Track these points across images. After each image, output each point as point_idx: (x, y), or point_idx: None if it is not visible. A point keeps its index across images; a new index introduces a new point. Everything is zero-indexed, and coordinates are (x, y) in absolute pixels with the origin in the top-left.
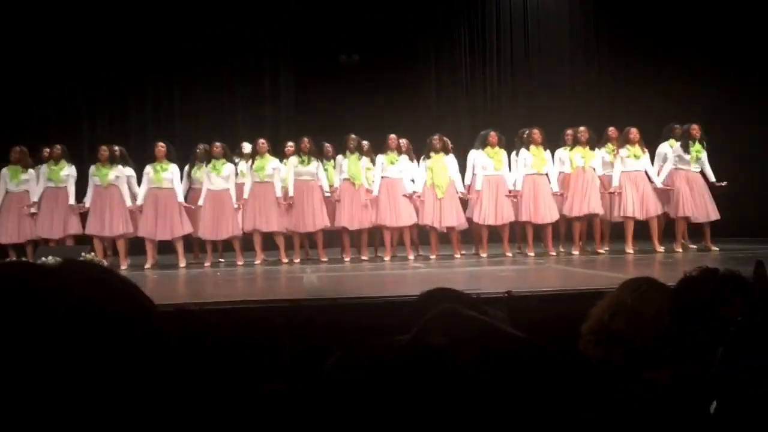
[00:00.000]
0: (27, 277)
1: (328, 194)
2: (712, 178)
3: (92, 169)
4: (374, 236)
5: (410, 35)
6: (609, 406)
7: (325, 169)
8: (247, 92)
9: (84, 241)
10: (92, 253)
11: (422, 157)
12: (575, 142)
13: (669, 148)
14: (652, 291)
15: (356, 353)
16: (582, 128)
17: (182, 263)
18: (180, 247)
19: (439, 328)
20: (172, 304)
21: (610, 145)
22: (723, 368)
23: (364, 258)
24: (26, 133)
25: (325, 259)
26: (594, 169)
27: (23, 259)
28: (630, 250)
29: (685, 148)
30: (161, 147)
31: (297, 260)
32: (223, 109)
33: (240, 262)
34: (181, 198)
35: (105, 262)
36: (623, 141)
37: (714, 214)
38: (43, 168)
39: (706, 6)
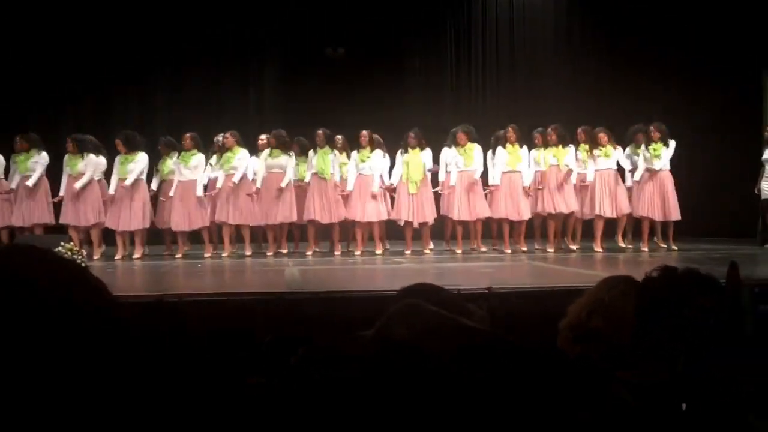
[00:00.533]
0: None
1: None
2: (662, 167)
3: (65, 159)
4: (345, 231)
5: (397, 30)
6: (587, 403)
7: (297, 164)
8: (232, 84)
9: (59, 230)
10: (71, 243)
11: (399, 152)
12: (545, 143)
13: (632, 152)
14: (629, 289)
15: (321, 347)
16: (550, 128)
17: (137, 254)
18: (139, 239)
19: (401, 323)
20: (151, 295)
21: (583, 145)
22: (690, 368)
23: (336, 252)
24: (5, 123)
25: (284, 251)
26: (567, 166)
27: None
28: (599, 249)
29: (647, 148)
30: (118, 142)
31: (270, 253)
32: (208, 101)
33: (208, 254)
34: (143, 187)
35: (83, 252)
36: (593, 143)
37: (675, 215)
38: (18, 157)
39: (690, 5)
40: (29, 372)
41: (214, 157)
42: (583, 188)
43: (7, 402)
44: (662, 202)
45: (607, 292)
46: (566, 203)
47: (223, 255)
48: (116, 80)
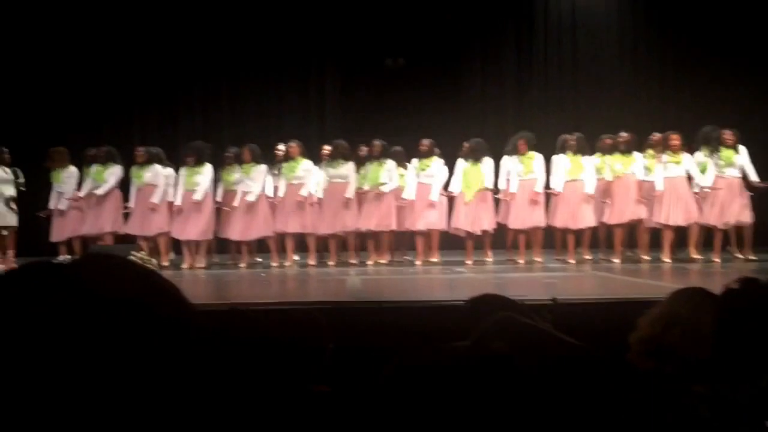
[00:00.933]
0: (46, 275)
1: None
2: (754, 177)
3: (132, 170)
4: (401, 240)
5: (456, 40)
6: (661, 417)
7: (357, 171)
8: (293, 96)
9: (130, 240)
10: (141, 252)
11: (459, 160)
12: (614, 149)
13: (702, 156)
14: (704, 302)
15: (417, 357)
16: (623, 134)
17: (201, 263)
18: (203, 249)
19: (498, 335)
20: (220, 303)
21: (650, 151)
22: None
23: (381, 261)
24: (78, 136)
25: (354, 262)
26: (635, 175)
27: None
28: (668, 259)
29: (717, 154)
30: (187, 154)
31: (331, 263)
32: (269, 113)
33: (275, 263)
34: (199, 196)
35: (154, 261)
36: (664, 147)
37: (746, 218)
38: (92, 168)
39: (758, 11)
40: (118, 376)
41: (277, 166)
42: (651, 196)
43: (94, 406)
44: (731, 207)
45: (683, 305)
46: (633, 211)
47: (285, 264)
48: (180, 93)
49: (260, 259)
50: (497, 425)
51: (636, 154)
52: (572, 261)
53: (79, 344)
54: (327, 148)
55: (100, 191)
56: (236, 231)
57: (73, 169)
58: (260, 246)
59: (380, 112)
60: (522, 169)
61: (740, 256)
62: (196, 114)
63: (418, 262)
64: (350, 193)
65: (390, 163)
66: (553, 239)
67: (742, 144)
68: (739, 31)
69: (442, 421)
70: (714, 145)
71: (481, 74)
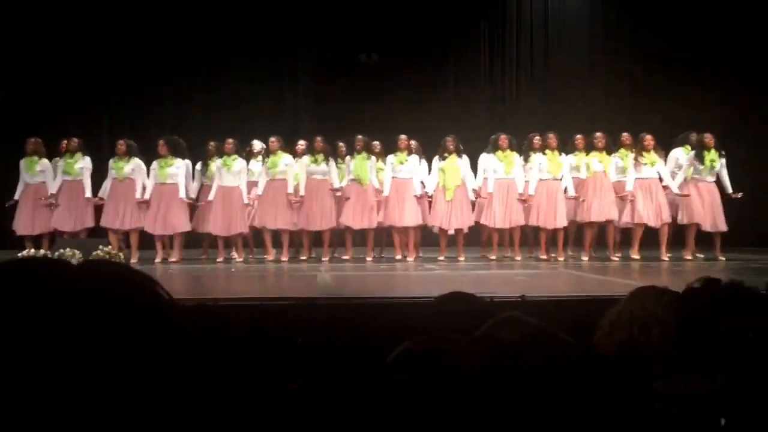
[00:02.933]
0: (54, 273)
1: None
2: (729, 190)
3: (110, 162)
4: (380, 236)
5: (430, 36)
6: (624, 414)
7: (338, 168)
8: (267, 90)
9: (99, 234)
10: (109, 246)
11: (435, 158)
12: (591, 148)
13: (683, 154)
14: (664, 300)
15: (424, 345)
16: (598, 134)
17: (174, 257)
18: (177, 243)
19: (505, 328)
20: (189, 299)
21: (623, 151)
22: (731, 383)
23: (368, 258)
24: (45, 126)
25: (326, 259)
26: (607, 175)
27: (41, 251)
28: (636, 256)
29: (700, 158)
30: (162, 144)
31: (304, 258)
32: (242, 107)
33: (240, 259)
34: (182, 194)
35: (121, 256)
36: (639, 148)
37: (722, 226)
38: (60, 161)
39: (730, 11)
40: (109, 377)
41: (254, 162)
42: (623, 196)
43: (71, 400)
44: (711, 212)
45: (643, 302)
46: (606, 211)
47: (267, 259)
48: (151, 86)
49: (235, 255)
50: (503, 413)
51: (612, 155)
52: (544, 256)
53: (54, 339)
54: (302, 144)
55: (86, 193)
56: (214, 226)
57: (45, 162)
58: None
59: (354, 107)
60: (502, 168)
61: (701, 255)
62: (167, 107)
63: (398, 257)
64: (333, 187)
65: (372, 159)
66: (527, 237)
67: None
68: (711, 32)
69: (452, 408)
70: (698, 150)
71: (455, 71)
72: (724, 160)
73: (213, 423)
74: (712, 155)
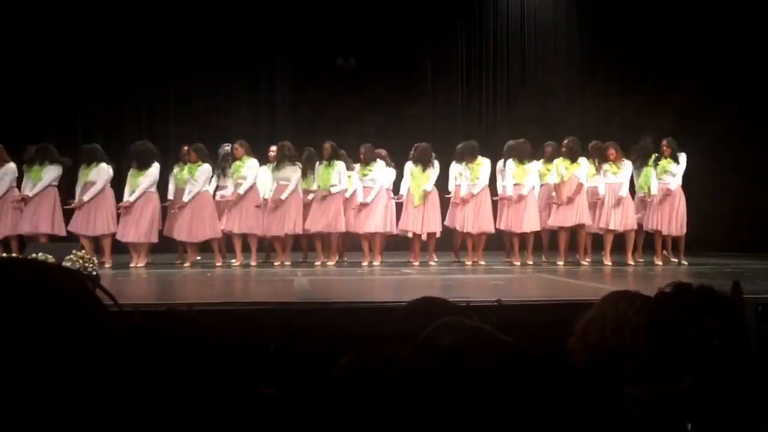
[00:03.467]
0: None
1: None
2: (654, 191)
3: (80, 168)
4: (351, 242)
5: (407, 41)
6: (593, 417)
7: (303, 174)
8: (243, 94)
9: (69, 239)
10: (82, 251)
11: (408, 163)
12: (557, 154)
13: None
14: (635, 304)
15: (367, 354)
16: (566, 140)
17: (140, 263)
18: (144, 250)
19: (446, 333)
20: (162, 303)
21: (590, 159)
22: (696, 389)
23: (329, 263)
24: (19, 132)
25: (288, 263)
26: (579, 179)
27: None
28: (608, 261)
29: (656, 163)
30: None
31: (277, 263)
32: (218, 111)
33: (219, 263)
34: (157, 202)
35: (95, 260)
36: (601, 158)
37: (682, 230)
38: (31, 167)
39: (712, 15)
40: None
41: (223, 167)
42: (594, 202)
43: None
44: (671, 216)
45: (613, 307)
46: (577, 216)
47: (233, 264)
48: (125, 91)
49: (199, 258)
50: (444, 418)
51: (581, 160)
52: (517, 263)
53: None
54: (273, 149)
55: (36, 189)
56: (182, 232)
57: (11, 166)
58: (204, 246)
59: (330, 113)
60: (469, 175)
61: (674, 260)
62: (142, 112)
63: (364, 263)
64: (284, 195)
65: (340, 165)
66: (501, 242)
67: (683, 151)
68: (685, 40)
69: (393, 415)
70: (655, 156)
71: (432, 76)
72: (684, 162)
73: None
74: (665, 163)
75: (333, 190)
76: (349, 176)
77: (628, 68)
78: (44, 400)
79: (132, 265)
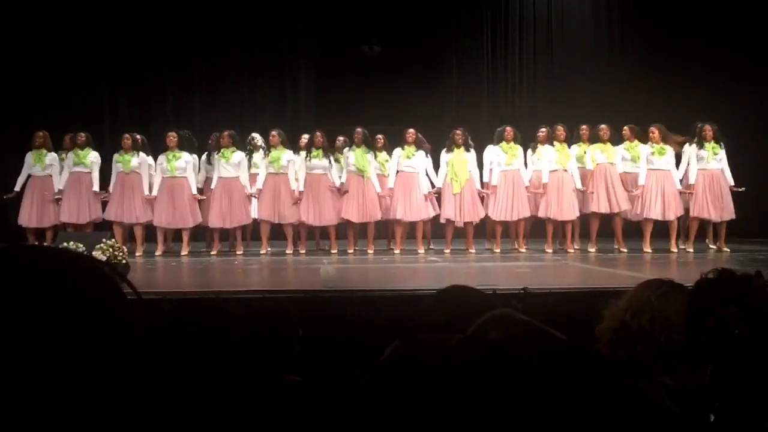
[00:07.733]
0: None
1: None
2: (731, 182)
3: (116, 156)
4: (382, 229)
5: (432, 28)
6: (626, 408)
7: (337, 161)
8: (268, 82)
9: (104, 227)
10: (113, 239)
11: (443, 151)
12: (594, 139)
13: (689, 148)
14: (674, 292)
15: (416, 344)
16: (603, 126)
17: (184, 251)
18: (186, 237)
19: (495, 327)
20: (189, 292)
21: (628, 143)
22: (718, 378)
23: (369, 251)
24: (47, 120)
25: (334, 251)
26: (615, 166)
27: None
28: (648, 249)
29: (701, 147)
30: (172, 137)
31: (303, 251)
32: (243, 99)
33: (239, 252)
34: (194, 188)
35: (125, 249)
36: (645, 139)
37: (729, 214)
38: (70, 154)
39: (732, 4)
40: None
41: (256, 155)
42: (633, 188)
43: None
44: (718, 201)
45: (652, 293)
46: (617, 203)
47: (261, 252)
48: (154, 79)
49: (218, 247)
50: (491, 414)
51: (618, 146)
52: (550, 251)
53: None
54: (305, 138)
55: (94, 186)
56: (213, 218)
57: (53, 155)
58: (226, 234)
59: (356, 100)
60: (504, 160)
61: (713, 246)
62: (168, 101)
63: (397, 251)
64: (333, 184)
65: (383, 155)
66: (537, 229)
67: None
68: (716, 21)
69: (444, 406)
70: (699, 139)
71: (457, 63)
72: (723, 152)
73: (190, 414)
74: (712, 145)
75: (375, 180)
76: (382, 163)
77: (660, 50)
78: (56, 392)
79: (158, 253)
